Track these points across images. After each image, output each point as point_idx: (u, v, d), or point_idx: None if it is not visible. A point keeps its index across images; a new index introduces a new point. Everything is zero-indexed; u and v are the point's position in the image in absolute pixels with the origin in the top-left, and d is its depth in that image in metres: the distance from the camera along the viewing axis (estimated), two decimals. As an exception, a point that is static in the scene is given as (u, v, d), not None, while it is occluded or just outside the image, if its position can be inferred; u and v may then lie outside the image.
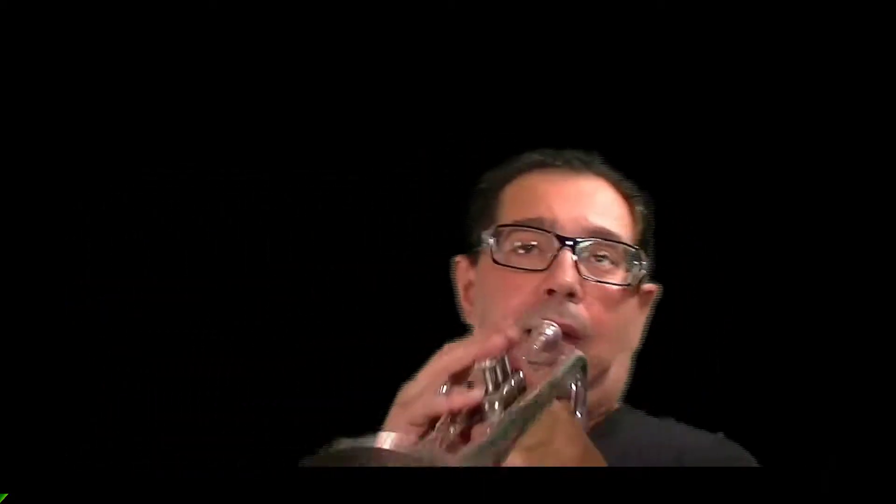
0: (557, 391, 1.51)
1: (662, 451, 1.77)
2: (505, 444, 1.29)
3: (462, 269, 1.88)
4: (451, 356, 1.44)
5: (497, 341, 1.46)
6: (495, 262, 1.79)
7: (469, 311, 1.86)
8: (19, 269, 2.75)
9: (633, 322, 1.87)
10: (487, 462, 1.22)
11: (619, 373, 1.87)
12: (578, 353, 1.70)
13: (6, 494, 1.42)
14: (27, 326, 2.74)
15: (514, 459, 1.33)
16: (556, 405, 1.47)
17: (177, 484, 1.43)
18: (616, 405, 1.90)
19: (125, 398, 2.74)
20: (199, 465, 2.30)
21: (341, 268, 2.79)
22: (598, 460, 1.47)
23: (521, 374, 1.47)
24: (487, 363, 1.40)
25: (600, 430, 1.76)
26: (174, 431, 2.69)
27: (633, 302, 1.86)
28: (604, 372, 1.82)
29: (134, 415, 2.73)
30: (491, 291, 1.71)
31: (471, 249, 1.87)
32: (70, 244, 2.77)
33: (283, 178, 2.79)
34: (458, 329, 1.79)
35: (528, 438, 1.37)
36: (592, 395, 1.77)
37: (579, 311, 1.75)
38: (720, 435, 1.83)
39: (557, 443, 1.41)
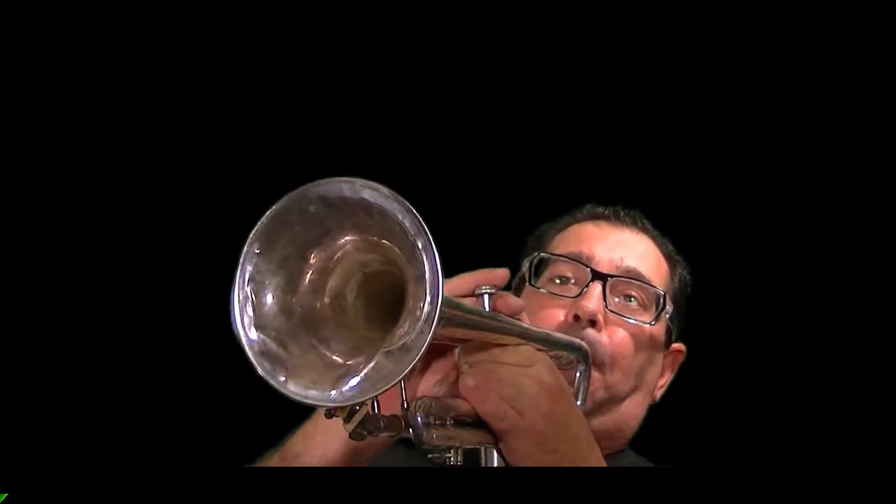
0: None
1: None
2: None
3: None
4: (459, 279, 1.54)
5: (499, 272, 1.57)
6: (531, 285, 1.94)
7: None
8: (19, 268, 2.75)
9: (653, 365, 1.98)
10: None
11: (632, 411, 1.98)
12: (582, 342, 1.82)
13: (6, 494, 1.43)
14: (27, 326, 2.74)
15: (491, 371, 1.43)
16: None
17: (177, 484, 1.44)
18: (623, 446, 1.99)
19: (125, 398, 2.74)
20: (199, 465, 2.30)
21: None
22: (569, 398, 1.50)
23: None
24: (486, 288, 1.53)
25: None
26: (174, 431, 2.69)
27: (656, 348, 1.98)
28: (617, 403, 1.94)
29: (133, 414, 2.72)
30: (527, 315, 1.77)
31: (516, 278, 1.98)
32: (70, 244, 2.77)
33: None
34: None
35: (507, 355, 1.45)
36: (602, 424, 1.90)
37: (599, 339, 1.88)
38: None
39: (538, 368, 1.46)
